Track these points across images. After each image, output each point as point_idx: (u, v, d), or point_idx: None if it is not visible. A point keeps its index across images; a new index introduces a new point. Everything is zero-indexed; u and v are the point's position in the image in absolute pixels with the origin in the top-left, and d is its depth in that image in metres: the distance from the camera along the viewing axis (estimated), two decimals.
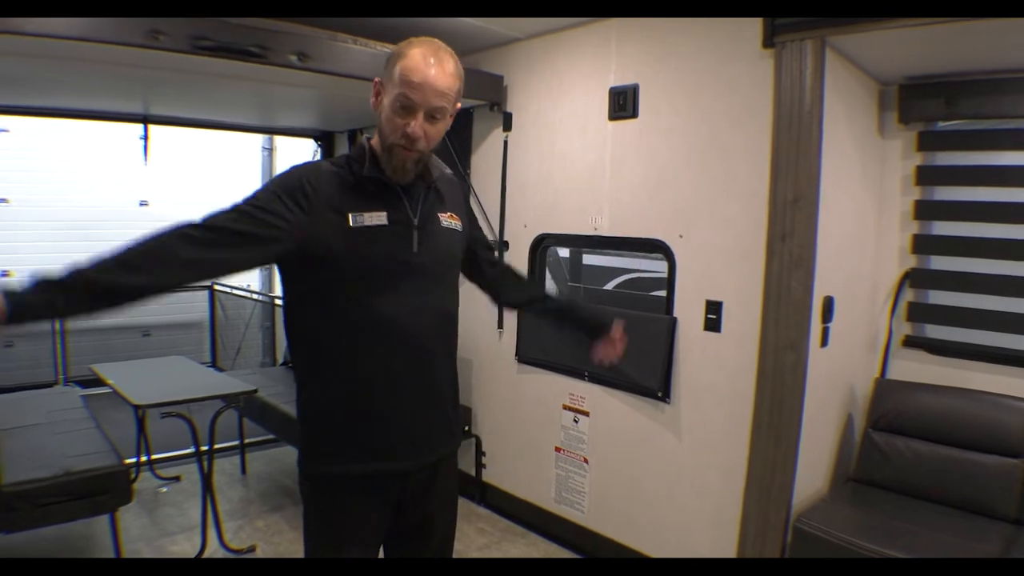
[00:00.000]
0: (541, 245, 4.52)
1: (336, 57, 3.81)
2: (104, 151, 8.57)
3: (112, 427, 4.29)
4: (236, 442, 5.62)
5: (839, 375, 3.75)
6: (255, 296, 8.36)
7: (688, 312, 3.69)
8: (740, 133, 3.42)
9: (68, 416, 4.37)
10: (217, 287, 8.83)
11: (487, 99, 4.59)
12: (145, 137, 5.49)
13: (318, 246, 1.90)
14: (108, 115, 5.35)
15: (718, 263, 3.56)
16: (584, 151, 4.17)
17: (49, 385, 7.64)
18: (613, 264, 7.47)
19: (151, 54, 3.25)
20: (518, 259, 4.54)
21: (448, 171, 2.23)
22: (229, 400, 4.22)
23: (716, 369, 3.57)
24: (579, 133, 4.19)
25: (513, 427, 4.69)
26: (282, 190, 1.90)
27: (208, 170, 8.92)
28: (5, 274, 8.29)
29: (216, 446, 4.39)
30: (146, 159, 5.51)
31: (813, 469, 3.61)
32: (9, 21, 2.77)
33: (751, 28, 3.33)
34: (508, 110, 4.63)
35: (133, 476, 5.04)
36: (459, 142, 4.91)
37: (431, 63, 1.90)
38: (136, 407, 3.84)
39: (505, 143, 4.65)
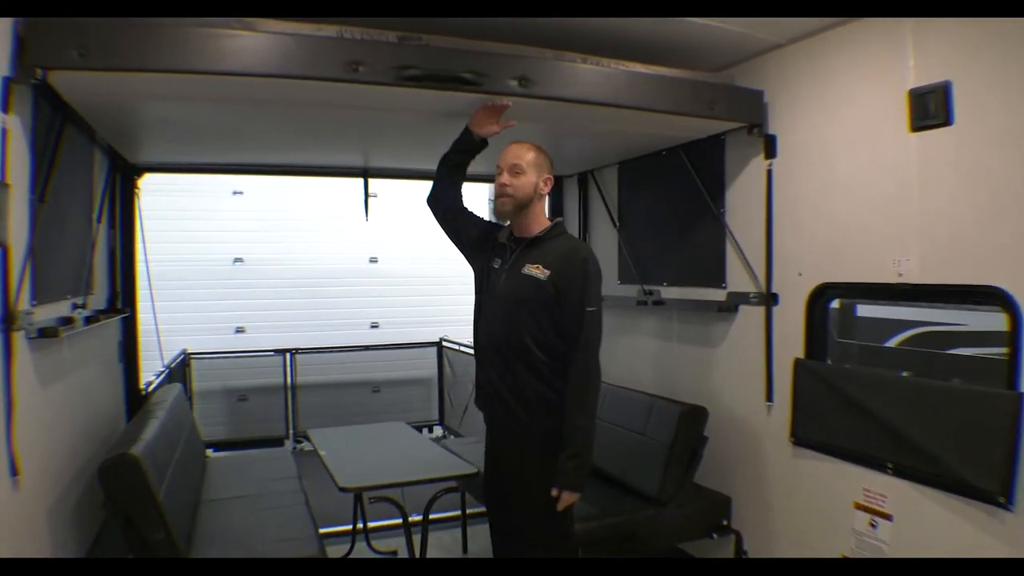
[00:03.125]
0: (822, 298, 3.62)
1: (563, 79, 3.26)
2: (333, 210, 8.78)
3: (329, 491, 3.83)
4: (458, 512, 5.04)
5: None
6: None
7: None
8: None
9: (277, 488, 4.03)
10: (445, 343, 8.59)
11: (743, 120, 3.82)
12: (365, 192, 5.28)
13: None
14: (330, 169, 5.22)
15: None
16: (877, 174, 3.34)
17: (279, 440, 7.77)
18: (896, 315, 6.25)
19: (358, 91, 2.96)
20: (790, 316, 3.73)
21: (573, 246, 3.11)
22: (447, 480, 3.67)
23: None
24: (868, 152, 3.38)
25: (785, 525, 3.87)
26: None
27: (434, 226, 8.78)
28: (240, 330, 8.60)
29: (433, 516, 3.94)
30: (367, 215, 5.32)
31: None
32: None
33: None
34: (771, 132, 3.84)
35: (348, 550, 4.68)
36: (708, 175, 4.21)
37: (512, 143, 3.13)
38: (343, 490, 3.38)
39: (768, 173, 3.86)
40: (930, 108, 3.07)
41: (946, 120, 3.03)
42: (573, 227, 5.71)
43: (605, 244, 5.30)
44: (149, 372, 5.42)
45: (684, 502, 3.93)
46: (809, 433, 3.67)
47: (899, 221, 3.24)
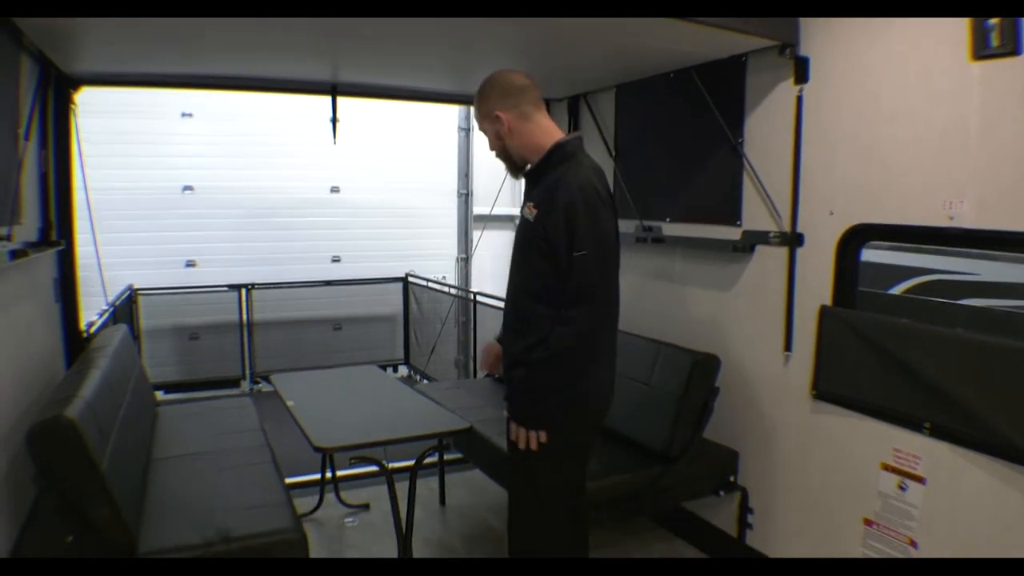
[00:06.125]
0: (856, 240, 3.25)
1: None
2: (291, 134, 8.26)
3: (293, 437, 3.43)
4: (434, 458, 4.61)
5: None
6: (452, 290, 7.52)
7: None
8: None
9: (239, 443, 3.61)
10: (411, 279, 8.16)
11: (775, 37, 3.35)
12: (334, 110, 4.72)
13: None
14: (295, 84, 4.62)
15: None
16: (929, 106, 2.92)
17: (235, 382, 7.31)
18: (899, 262, 5.94)
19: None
20: (817, 258, 3.36)
21: (559, 177, 2.56)
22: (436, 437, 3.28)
23: None
24: (919, 82, 2.95)
25: (798, 483, 3.58)
26: None
27: (400, 155, 8.26)
28: (190, 264, 8.06)
29: (403, 465, 3.60)
30: (335, 136, 4.76)
31: None
32: None
33: None
34: (803, 53, 3.38)
35: (316, 505, 4.31)
36: (724, 101, 3.75)
37: None
38: (320, 451, 2.96)
39: (798, 100, 3.42)
40: (995, 35, 2.67)
41: (1014, 49, 2.66)
42: None
43: None
44: (91, 311, 4.93)
45: (693, 458, 3.60)
46: (833, 387, 3.34)
47: (954, 159, 2.85)
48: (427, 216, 8.52)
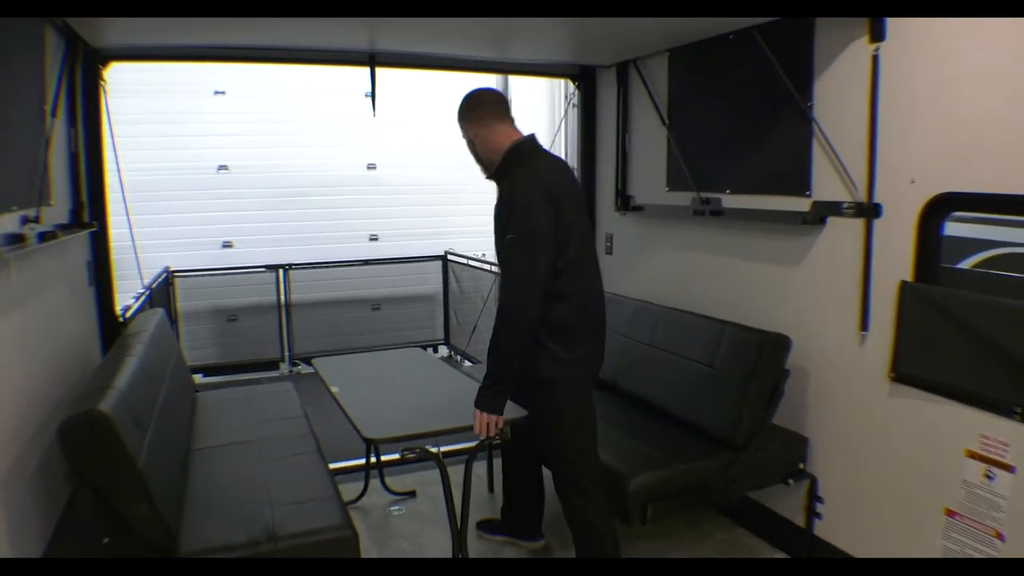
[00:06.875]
0: (940, 210, 2.97)
1: None
2: (326, 111, 8.11)
3: (335, 420, 3.34)
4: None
5: None
6: (493, 268, 7.30)
7: None
8: None
9: (282, 430, 3.45)
10: (450, 257, 7.96)
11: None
12: (372, 81, 4.53)
13: None
14: (332, 54, 4.42)
15: None
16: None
17: (273, 364, 7.20)
18: (970, 234, 5.57)
19: None
20: (896, 230, 3.10)
21: (508, 171, 2.93)
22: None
23: None
24: (1014, 35, 2.65)
25: (873, 471, 3.32)
26: None
27: (438, 130, 8.04)
28: (227, 245, 7.94)
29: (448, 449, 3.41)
30: (374, 108, 4.62)
31: None
32: None
33: None
34: None
35: (360, 493, 4.16)
36: (791, 62, 3.47)
37: None
38: (370, 442, 2.80)
39: (874, 59, 3.13)
40: None
41: None
42: (609, 126, 5.03)
43: (651, 146, 4.60)
44: (128, 294, 4.81)
45: (761, 446, 3.38)
46: (915, 369, 3.08)
47: None
48: (466, 192, 8.21)
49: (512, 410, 2.98)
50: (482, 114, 3.02)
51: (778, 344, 3.38)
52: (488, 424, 2.86)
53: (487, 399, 2.86)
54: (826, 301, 3.43)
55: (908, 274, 3.06)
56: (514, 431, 3.08)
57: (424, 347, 8.00)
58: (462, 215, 8.54)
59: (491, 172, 3.07)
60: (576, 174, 4.78)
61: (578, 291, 2.93)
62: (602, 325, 3.13)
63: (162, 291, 6.41)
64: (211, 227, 7.94)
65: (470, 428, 2.91)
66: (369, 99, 4.60)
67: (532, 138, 3.05)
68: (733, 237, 3.99)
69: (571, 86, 5.35)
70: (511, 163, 2.93)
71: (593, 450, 3.08)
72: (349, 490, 4.14)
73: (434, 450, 2.95)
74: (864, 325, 3.26)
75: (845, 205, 3.28)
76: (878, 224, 3.18)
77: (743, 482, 3.40)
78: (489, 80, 8.23)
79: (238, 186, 7.98)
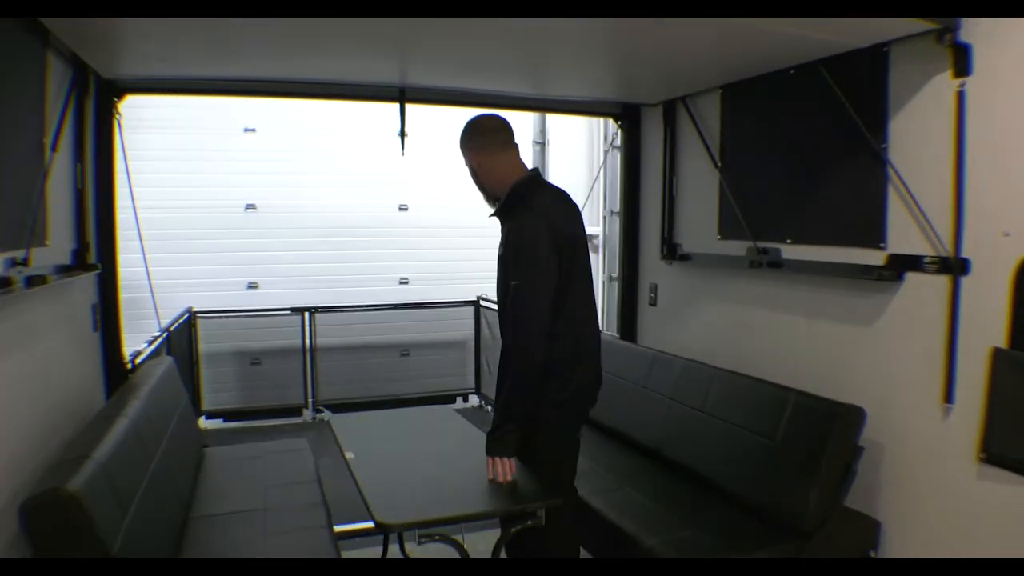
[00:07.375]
0: None
1: None
2: (357, 150, 8.02)
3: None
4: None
5: None
6: None
7: None
8: None
9: (292, 498, 3.14)
10: (483, 302, 7.66)
11: (925, 18, 2.75)
12: (402, 117, 4.34)
13: None
14: (362, 89, 4.22)
15: None
16: None
17: (296, 410, 6.91)
18: None
19: None
20: (988, 288, 2.75)
21: (513, 210, 2.90)
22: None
23: None
24: None
25: None
26: None
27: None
28: (252, 286, 7.73)
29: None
30: (403, 147, 4.42)
31: None
32: None
33: None
34: (965, 40, 2.78)
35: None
36: (861, 100, 3.18)
37: None
38: (384, 528, 2.45)
39: (959, 96, 2.82)
40: None
41: None
42: (655, 168, 4.73)
43: (701, 190, 4.30)
44: (145, 335, 4.59)
45: (831, 533, 2.97)
46: (1009, 449, 2.72)
47: None
48: (498, 235, 7.97)
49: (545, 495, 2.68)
50: (486, 142, 2.99)
51: (851, 416, 3.00)
52: (502, 468, 2.76)
53: (496, 445, 2.78)
54: (904, 368, 3.06)
55: (1002, 340, 2.71)
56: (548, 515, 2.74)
57: (454, 396, 7.73)
58: (496, 259, 8.27)
59: (494, 207, 3.02)
60: (618, 220, 4.53)
61: (572, 330, 2.90)
62: (596, 359, 3.07)
63: (183, 332, 6.19)
64: (237, 267, 7.80)
65: (499, 515, 2.58)
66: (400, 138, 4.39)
67: (536, 173, 3.06)
68: (795, 292, 3.63)
69: (613, 126, 5.07)
70: (515, 202, 2.90)
71: (571, 484, 3.08)
72: (366, 554, 3.80)
73: (457, 537, 2.59)
74: (949, 396, 2.90)
75: (927, 259, 2.93)
76: (966, 282, 2.84)
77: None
78: (524, 122, 8.05)
79: (266, 226, 7.86)
